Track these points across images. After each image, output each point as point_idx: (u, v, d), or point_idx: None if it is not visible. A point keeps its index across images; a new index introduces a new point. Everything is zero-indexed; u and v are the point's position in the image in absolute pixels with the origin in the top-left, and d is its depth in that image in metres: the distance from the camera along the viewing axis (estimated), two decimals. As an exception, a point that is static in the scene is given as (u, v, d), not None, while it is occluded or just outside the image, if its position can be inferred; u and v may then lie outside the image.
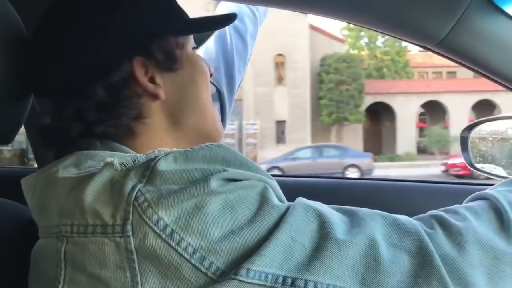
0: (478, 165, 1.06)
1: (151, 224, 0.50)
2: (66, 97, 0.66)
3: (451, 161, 17.54)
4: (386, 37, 30.17)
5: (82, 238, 0.53)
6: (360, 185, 1.29)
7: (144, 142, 0.66)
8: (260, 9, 1.23)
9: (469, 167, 1.06)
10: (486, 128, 1.08)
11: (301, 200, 0.57)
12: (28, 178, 0.66)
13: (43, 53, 0.68)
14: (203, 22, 0.75)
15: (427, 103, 26.86)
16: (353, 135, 24.99)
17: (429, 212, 0.62)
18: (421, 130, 27.92)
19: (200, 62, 0.74)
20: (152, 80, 0.67)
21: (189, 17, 0.74)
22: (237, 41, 1.15)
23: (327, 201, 1.23)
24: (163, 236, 0.50)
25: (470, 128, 1.07)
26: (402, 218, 0.58)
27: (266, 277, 0.50)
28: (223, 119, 1.04)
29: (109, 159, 0.56)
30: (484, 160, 1.06)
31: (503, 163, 1.04)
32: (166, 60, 0.68)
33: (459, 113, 25.47)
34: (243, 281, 0.49)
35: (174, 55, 0.69)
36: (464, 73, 31.31)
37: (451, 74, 33.63)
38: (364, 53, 30.86)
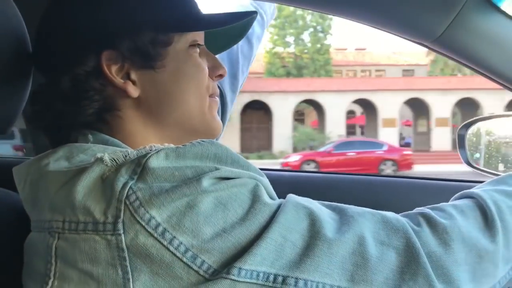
0: (475, 163, 1.06)
1: (143, 223, 0.50)
2: (39, 86, 0.67)
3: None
4: (312, 34, 30.19)
5: (73, 234, 0.53)
6: (356, 180, 1.29)
7: (128, 138, 0.66)
8: (268, 12, 1.22)
9: (466, 165, 1.06)
10: (482, 126, 1.08)
11: (291, 197, 0.57)
12: (19, 168, 0.66)
13: (35, 42, 0.70)
14: (200, 20, 0.71)
15: (308, 102, 27.02)
16: (229, 133, 25.02)
17: (416, 209, 0.63)
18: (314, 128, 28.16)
19: (193, 61, 0.70)
20: (128, 76, 0.66)
21: (188, 13, 0.70)
22: (243, 42, 1.13)
23: (323, 196, 1.23)
24: (155, 235, 0.50)
25: (467, 126, 1.07)
26: (390, 215, 0.58)
27: (258, 275, 0.50)
28: (223, 118, 1.04)
29: (99, 155, 0.56)
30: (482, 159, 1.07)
31: (499, 161, 1.05)
32: (138, 57, 0.66)
33: (336, 111, 25.68)
34: (235, 280, 0.50)
35: (148, 53, 0.66)
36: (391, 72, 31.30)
37: (380, 72, 34.01)
38: (289, 50, 30.91)
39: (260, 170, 0.59)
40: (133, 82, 0.66)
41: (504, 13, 0.80)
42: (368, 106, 27.30)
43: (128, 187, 0.51)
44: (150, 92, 0.67)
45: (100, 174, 0.54)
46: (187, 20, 0.70)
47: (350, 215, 0.56)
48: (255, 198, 0.54)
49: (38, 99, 0.67)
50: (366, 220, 0.56)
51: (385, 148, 17.13)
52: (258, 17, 1.18)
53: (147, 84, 0.67)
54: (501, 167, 1.04)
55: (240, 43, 1.12)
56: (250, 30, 1.15)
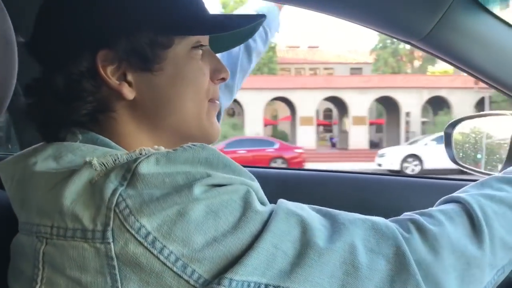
0: (461, 161, 1.07)
1: (133, 232, 0.49)
2: (33, 81, 0.65)
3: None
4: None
5: (61, 241, 0.53)
6: (343, 178, 1.30)
7: (120, 139, 0.64)
8: (272, 28, 1.18)
9: (453, 163, 1.07)
10: (469, 125, 1.09)
11: (283, 204, 0.57)
12: (5, 164, 0.64)
13: (32, 34, 0.68)
14: (204, 23, 0.67)
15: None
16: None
17: (406, 215, 0.63)
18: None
19: (194, 65, 0.67)
20: (124, 77, 0.64)
21: (192, 14, 0.66)
22: (243, 56, 1.11)
23: (310, 194, 1.23)
24: (145, 244, 0.49)
25: (454, 124, 1.08)
26: (380, 222, 0.58)
27: (249, 285, 0.50)
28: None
29: (88, 158, 0.54)
30: (467, 156, 1.08)
31: (485, 160, 1.06)
32: (135, 59, 0.63)
33: (254, 109, 25.82)
34: None
35: (146, 55, 0.63)
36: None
37: (329, 70, 34.45)
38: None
39: (251, 174, 0.58)
40: (129, 84, 0.64)
41: (490, 13, 0.81)
42: (289, 105, 27.62)
43: (117, 194, 0.51)
44: (146, 95, 0.65)
45: (89, 179, 0.53)
46: (190, 22, 0.66)
47: (341, 222, 0.56)
48: (246, 205, 0.53)
49: (31, 93, 0.65)
50: (357, 228, 0.56)
51: (276, 146, 17.49)
52: (263, 34, 1.15)
53: (144, 87, 0.65)
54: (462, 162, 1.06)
55: (241, 55, 1.10)
56: (253, 44, 1.12)
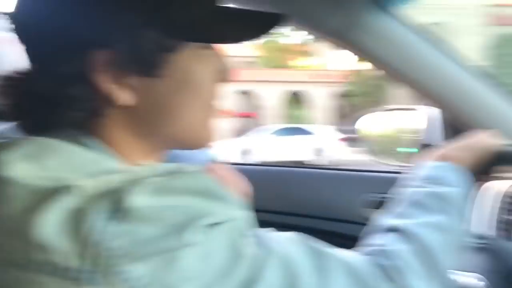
0: (374, 155, 1.11)
1: (123, 276, 0.44)
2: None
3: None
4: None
5: (35, 274, 0.45)
6: (269, 171, 1.31)
7: (111, 145, 0.56)
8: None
9: (367, 156, 1.11)
10: (380, 118, 1.13)
11: (272, 243, 0.55)
12: None
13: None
14: (217, 28, 0.59)
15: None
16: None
17: (376, 259, 0.63)
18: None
19: (203, 68, 0.59)
20: (121, 81, 0.55)
21: (205, 14, 0.58)
22: None
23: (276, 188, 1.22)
24: None
25: (365, 119, 1.12)
26: (369, 276, 0.59)
27: None
28: None
29: (75, 181, 0.47)
30: (379, 149, 1.12)
31: (394, 152, 1.10)
32: (136, 62, 0.54)
33: None
34: None
35: (149, 58, 0.55)
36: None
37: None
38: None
39: (241, 202, 0.54)
40: (127, 88, 0.55)
41: (392, 14, 0.86)
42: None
43: (107, 230, 0.45)
44: (146, 101, 0.56)
45: (74, 205, 0.46)
46: (203, 26, 0.58)
47: (330, 272, 0.57)
48: (237, 248, 0.50)
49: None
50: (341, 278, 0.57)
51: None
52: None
53: (144, 93, 0.56)
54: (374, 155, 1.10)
55: None
56: None
